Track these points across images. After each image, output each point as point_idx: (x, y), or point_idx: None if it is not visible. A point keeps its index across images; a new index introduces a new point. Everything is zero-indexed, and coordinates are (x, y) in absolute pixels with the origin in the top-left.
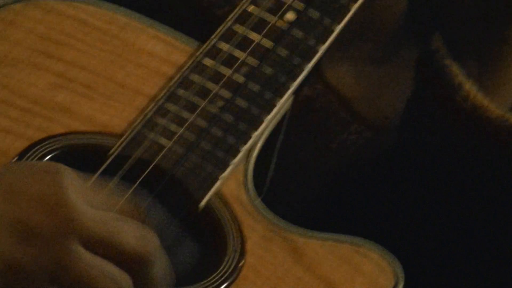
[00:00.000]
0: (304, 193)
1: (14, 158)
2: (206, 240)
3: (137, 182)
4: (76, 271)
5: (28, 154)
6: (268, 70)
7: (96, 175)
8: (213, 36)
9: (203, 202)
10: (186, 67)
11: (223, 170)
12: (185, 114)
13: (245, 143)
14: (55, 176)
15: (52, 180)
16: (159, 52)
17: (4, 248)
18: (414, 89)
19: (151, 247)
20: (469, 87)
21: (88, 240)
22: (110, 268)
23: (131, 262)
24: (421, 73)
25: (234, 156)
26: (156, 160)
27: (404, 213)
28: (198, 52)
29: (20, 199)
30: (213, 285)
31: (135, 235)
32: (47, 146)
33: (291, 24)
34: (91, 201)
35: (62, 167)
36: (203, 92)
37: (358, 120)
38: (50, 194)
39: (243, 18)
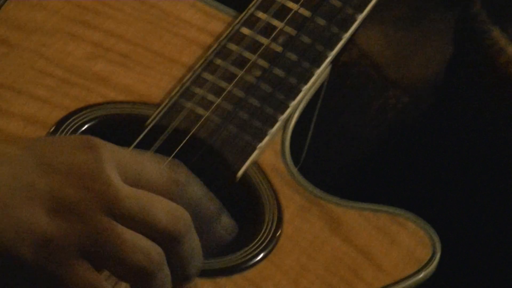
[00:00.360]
0: (342, 161)
1: (51, 127)
2: (243, 210)
3: (174, 152)
4: (108, 245)
5: (65, 124)
6: (306, 39)
7: (133, 145)
8: (250, 5)
9: (240, 172)
10: (223, 36)
11: (261, 140)
12: (222, 84)
13: (283, 113)
14: (92, 150)
15: (89, 154)
16: (197, 21)
17: (37, 221)
18: (453, 53)
19: (182, 225)
20: None
21: (120, 215)
22: (142, 242)
23: (162, 240)
24: (461, 38)
25: (272, 125)
26: (194, 130)
27: (443, 181)
28: (236, 21)
29: (55, 172)
30: (250, 255)
31: (166, 213)
32: (84, 116)
33: None
34: (127, 174)
35: (100, 141)
36: (241, 62)
37: (392, 85)
38: (86, 168)
39: None
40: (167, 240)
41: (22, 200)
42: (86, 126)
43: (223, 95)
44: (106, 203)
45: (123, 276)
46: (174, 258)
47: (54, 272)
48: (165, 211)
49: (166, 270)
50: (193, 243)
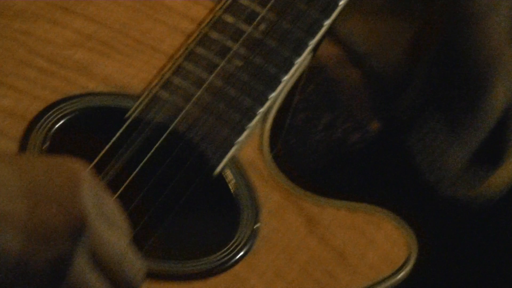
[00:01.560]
0: (315, 152)
1: (30, 120)
2: (220, 208)
3: (154, 149)
4: (71, 283)
5: (44, 117)
6: (287, 26)
7: (112, 140)
8: None
9: (218, 169)
10: (205, 23)
11: (239, 134)
12: (203, 75)
13: (262, 105)
14: (76, 180)
15: (73, 185)
16: (179, 7)
17: (16, 246)
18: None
19: (140, 280)
20: None
21: (98, 259)
22: None
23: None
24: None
25: (250, 119)
26: (173, 124)
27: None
28: (218, 8)
29: (39, 200)
30: (227, 256)
31: (132, 268)
32: (63, 108)
33: None
34: (104, 209)
35: (84, 171)
36: (222, 51)
37: (370, 77)
38: (71, 199)
39: None
40: None
41: None
42: (64, 120)
43: (204, 86)
44: (88, 241)
45: None
46: None
47: None
48: (131, 265)
49: None
50: None
